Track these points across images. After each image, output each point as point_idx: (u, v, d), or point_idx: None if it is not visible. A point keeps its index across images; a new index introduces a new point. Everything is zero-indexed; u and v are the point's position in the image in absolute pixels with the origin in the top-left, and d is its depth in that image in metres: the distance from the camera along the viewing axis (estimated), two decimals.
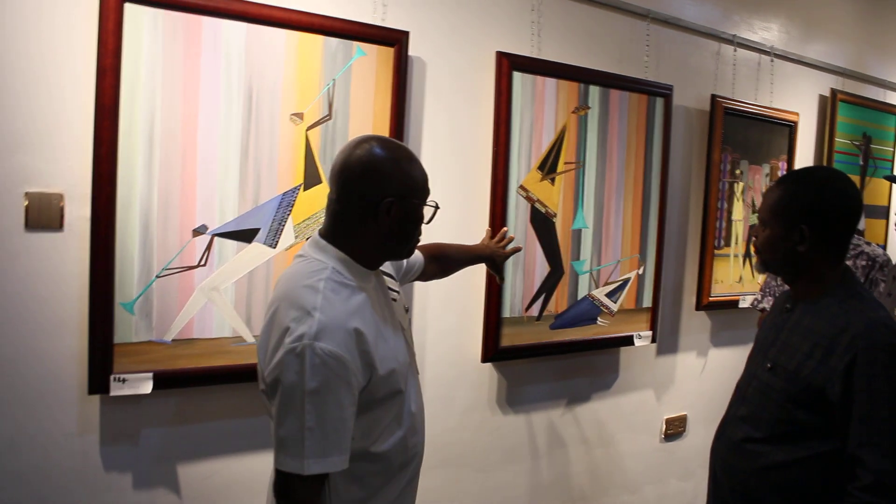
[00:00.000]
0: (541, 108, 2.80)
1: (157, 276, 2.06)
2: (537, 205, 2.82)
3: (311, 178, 2.30)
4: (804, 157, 4.06)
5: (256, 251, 2.23)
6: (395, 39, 2.41)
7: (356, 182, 1.50)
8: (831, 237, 1.80)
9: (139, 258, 2.04)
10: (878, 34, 4.58)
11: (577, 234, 2.95)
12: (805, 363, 1.77)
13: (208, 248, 2.14)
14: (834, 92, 4.12)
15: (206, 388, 2.19)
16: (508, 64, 2.67)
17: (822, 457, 1.76)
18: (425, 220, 1.62)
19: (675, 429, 3.56)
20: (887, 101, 4.59)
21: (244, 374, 2.20)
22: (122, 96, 1.98)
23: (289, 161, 2.26)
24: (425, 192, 1.60)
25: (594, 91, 2.95)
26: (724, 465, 1.95)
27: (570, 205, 2.92)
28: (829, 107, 4.12)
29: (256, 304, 2.23)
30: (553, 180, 2.86)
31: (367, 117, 2.39)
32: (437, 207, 1.66)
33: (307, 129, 2.29)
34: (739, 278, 3.68)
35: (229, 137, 2.16)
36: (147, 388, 2.05)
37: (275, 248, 2.25)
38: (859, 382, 1.68)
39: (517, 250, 2.46)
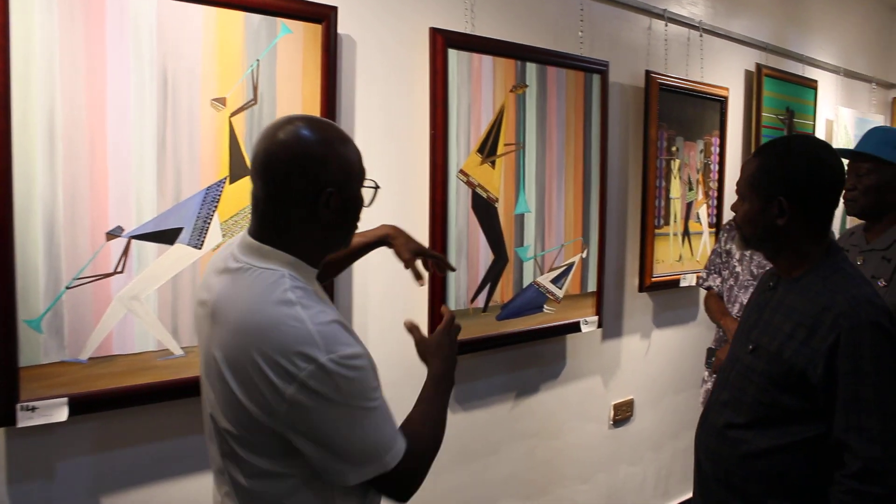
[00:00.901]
0: (478, 88, 2.64)
1: (67, 288, 1.82)
2: (478, 190, 2.66)
3: (237, 170, 2.08)
4: (734, 132, 4.04)
5: (180, 253, 2.00)
6: (322, 15, 2.21)
7: (286, 174, 1.30)
8: (812, 209, 1.70)
9: (44, 268, 1.79)
10: (797, 10, 4.60)
11: (519, 219, 2.82)
12: (787, 344, 1.67)
13: (125, 252, 1.91)
14: (759, 67, 4.11)
15: (130, 410, 1.95)
16: (443, 41, 2.50)
17: (808, 442, 1.67)
18: (366, 203, 1.45)
19: (622, 414, 3.48)
20: (806, 75, 4.63)
21: (173, 391, 1.97)
22: (13, 82, 1.72)
23: (212, 151, 2.04)
24: (363, 173, 1.42)
25: (531, 68, 2.81)
26: (708, 453, 1.85)
27: (511, 189, 2.78)
28: (755, 81, 4.11)
29: (183, 312, 2.00)
30: (493, 163, 2.71)
31: (295, 101, 2.18)
32: (377, 188, 1.50)
33: (231, 116, 2.07)
34: (679, 257, 3.63)
35: (143, 126, 1.92)
36: (62, 415, 1.80)
37: (200, 248, 2.03)
38: (843, 364, 1.59)
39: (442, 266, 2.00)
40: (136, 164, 1.91)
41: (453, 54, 2.54)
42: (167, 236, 1.98)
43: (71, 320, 1.82)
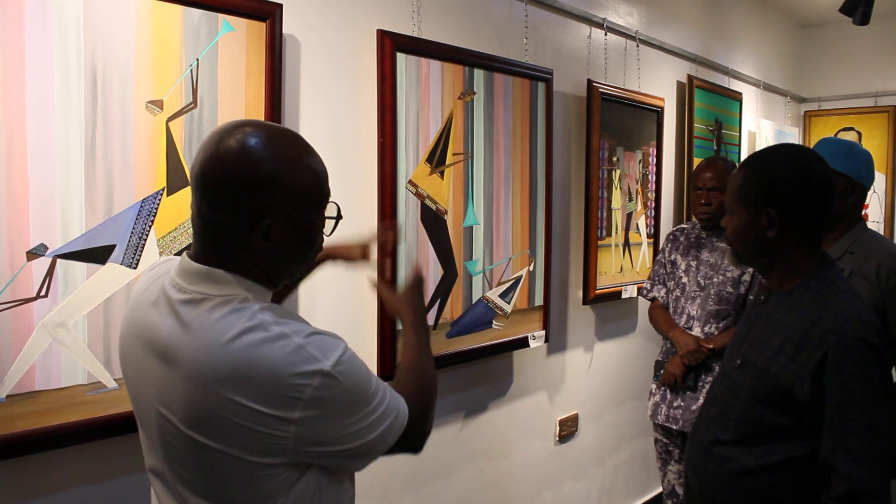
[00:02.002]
0: (426, 94, 2.51)
1: None
2: (428, 201, 2.53)
3: (175, 181, 1.89)
4: (669, 142, 4.04)
5: (112, 273, 1.79)
6: (266, 13, 2.04)
7: (223, 193, 1.13)
8: (802, 219, 1.64)
9: None
10: (721, 22, 4.67)
11: (468, 232, 2.70)
12: (774, 359, 1.61)
13: (49, 273, 1.69)
14: (690, 78, 4.13)
15: (56, 453, 1.72)
16: (392, 44, 2.36)
17: (794, 462, 1.61)
18: (326, 232, 1.27)
19: (568, 429, 3.40)
20: (732, 87, 4.69)
21: (106, 428, 1.76)
22: None
23: (147, 160, 1.84)
24: (323, 196, 1.23)
25: (479, 75, 2.70)
26: (695, 470, 1.78)
27: (460, 200, 2.66)
28: (686, 92, 4.13)
29: (116, 339, 1.79)
30: (442, 174, 2.58)
31: (237, 105, 2.01)
32: (339, 217, 1.29)
33: (168, 120, 1.87)
34: (620, 268, 3.58)
35: (69, 131, 1.70)
36: None
37: (135, 268, 1.82)
38: (830, 381, 1.53)
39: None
40: (61, 173, 1.69)
41: (402, 58, 2.40)
42: (98, 255, 1.76)
43: None
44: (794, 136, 5.65)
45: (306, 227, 1.20)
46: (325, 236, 1.26)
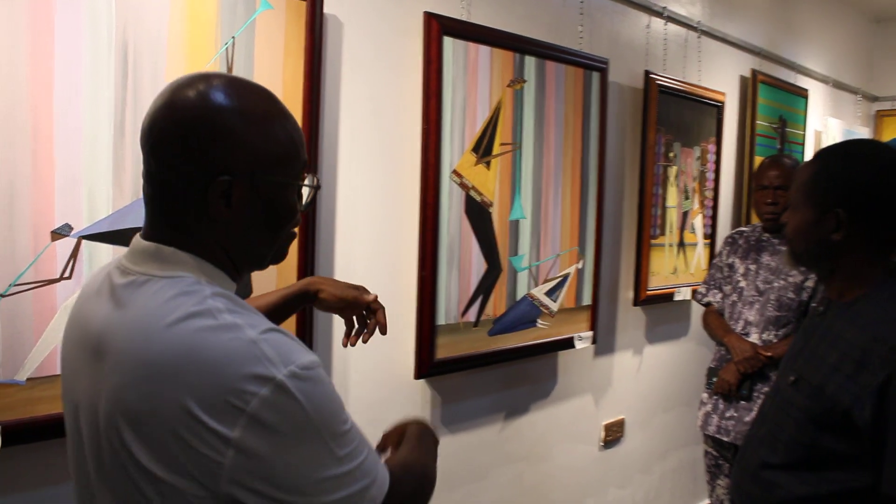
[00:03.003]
0: (474, 81, 2.40)
1: (3, 296, 1.53)
2: (472, 192, 2.43)
3: None
4: (729, 139, 3.86)
5: None
6: None
7: (174, 147, 0.93)
8: (873, 224, 1.49)
9: None
10: (789, 16, 4.46)
11: (514, 226, 2.58)
12: (831, 377, 1.45)
13: (74, 254, 1.63)
14: (755, 73, 3.94)
15: None
16: (439, 27, 2.26)
17: (850, 494, 1.45)
18: (301, 203, 1.05)
19: (613, 434, 3.26)
20: (798, 84, 4.48)
21: None
22: None
23: None
24: (296, 162, 1.02)
25: (530, 62, 2.58)
26: (740, 495, 1.63)
27: (506, 192, 2.55)
28: (750, 87, 3.94)
29: None
30: (489, 164, 2.48)
31: (275, 86, 1.93)
32: (317, 187, 1.11)
33: None
34: (674, 269, 3.43)
35: (98, 110, 1.64)
36: None
37: None
38: (895, 407, 1.37)
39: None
40: (88, 152, 1.63)
41: (449, 42, 2.30)
42: (124, 237, 1.70)
43: (6, 334, 1.54)
44: (864, 137, 5.38)
45: (275, 194, 0.99)
46: (300, 209, 1.05)
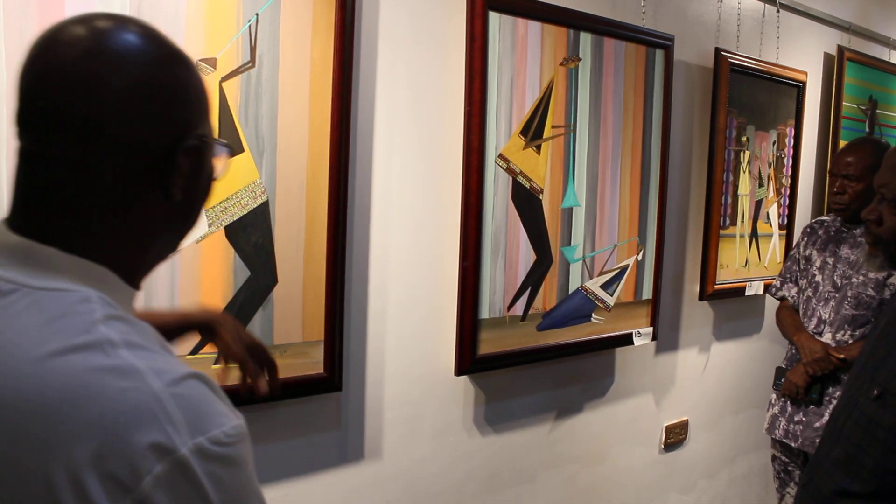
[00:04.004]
0: (523, 59, 2.25)
1: None
2: (520, 178, 2.28)
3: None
4: (811, 122, 3.59)
5: None
6: None
7: (95, 105, 0.71)
8: None
9: None
10: None
11: (567, 214, 2.42)
12: None
13: None
14: (841, 50, 3.65)
15: None
16: (483, 2, 2.11)
17: None
18: (217, 172, 0.86)
19: (675, 437, 3.08)
20: (892, 60, 4.14)
21: None
22: None
23: None
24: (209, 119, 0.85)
25: (585, 39, 2.41)
26: None
27: (558, 178, 2.39)
28: (836, 66, 3.65)
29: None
30: (539, 148, 2.32)
31: (302, 66, 1.82)
32: (230, 148, 0.94)
33: (221, 80, 1.71)
34: (745, 262, 3.20)
35: None
36: None
37: None
38: None
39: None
40: None
41: (495, 18, 2.15)
42: None
43: None
44: None
45: (210, 155, 0.83)
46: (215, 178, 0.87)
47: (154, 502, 0.63)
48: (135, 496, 0.62)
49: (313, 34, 1.83)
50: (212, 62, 1.69)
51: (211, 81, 1.68)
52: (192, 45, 1.65)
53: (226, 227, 1.74)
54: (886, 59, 4.07)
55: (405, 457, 2.16)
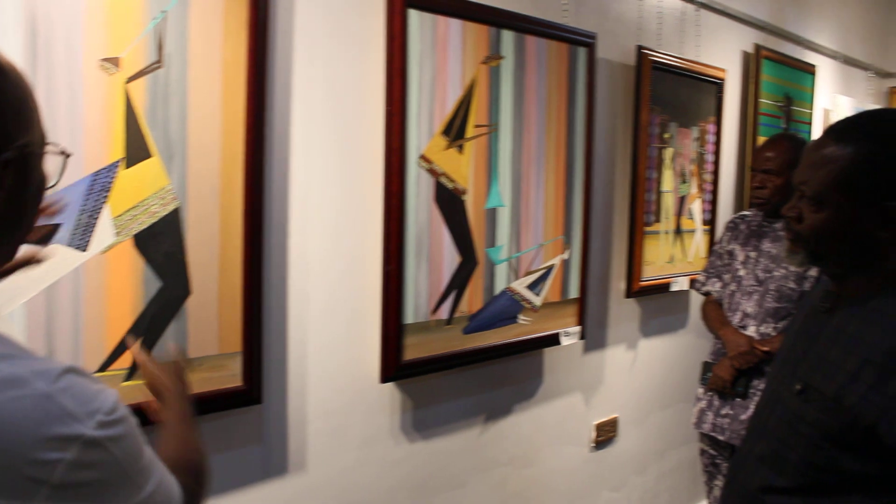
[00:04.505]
0: (444, 57, 2.21)
1: None
2: (443, 179, 2.24)
3: (135, 150, 1.64)
4: (731, 119, 3.65)
5: (57, 257, 1.55)
6: None
7: None
8: None
9: None
10: None
11: (491, 215, 2.39)
12: (850, 387, 1.25)
13: None
14: (758, 48, 3.72)
15: None
16: None
17: None
18: (51, 179, 0.87)
19: (605, 434, 3.08)
20: (805, 59, 4.25)
21: None
22: None
23: (100, 127, 1.59)
24: (41, 126, 0.84)
25: (507, 37, 2.38)
26: None
27: (482, 178, 2.36)
28: (753, 64, 3.72)
29: (62, 333, 1.56)
30: (461, 148, 2.28)
31: (213, 66, 1.74)
32: (66, 154, 0.90)
33: (127, 81, 1.62)
34: (670, 258, 3.23)
35: None
36: None
37: (85, 250, 1.58)
38: None
39: None
40: None
41: (415, 15, 2.11)
42: (40, 235, 1.53)
43: None
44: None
45: (37, 165, 0.83)
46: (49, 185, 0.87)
47: (68, 482, 0.70)
48: (49, 486, 0.69)
49: (225, 32, 1.75)
50: (115, 62, 1.59)
51: (115, 83, 1.59)
52: (92, 43, 1.56)
53: (134, 236, 1.65)
54: (800, 58, 4.17)
55: (331, 468, 2.10)
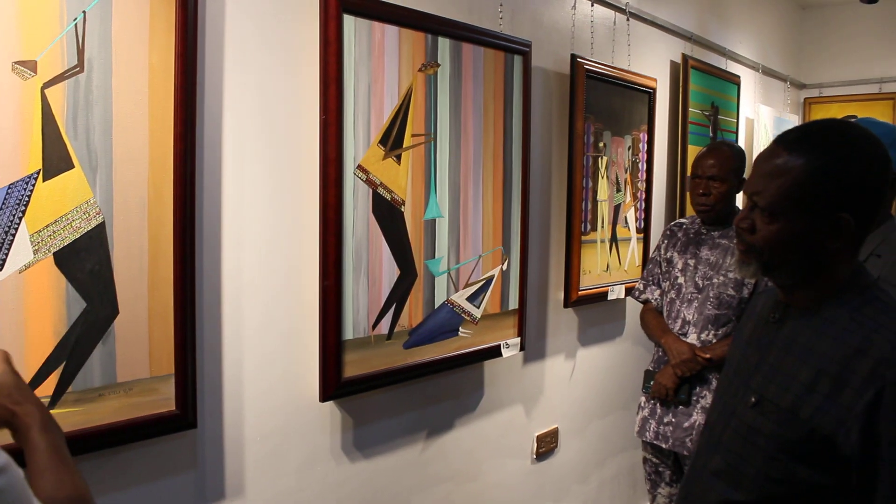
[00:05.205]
0: (380, 65, 2.15)
1: None
2: (381, 190, 2.17)
3: (54, 161, 1.53)
4: (661, 127, 3.69)
5: None
6: None
7: None
8: (866, 223, 1.28)
9: None
10: (719, 1, 4.32)
11: (430, 226, 2.34)
12: (805, 398, 1.24)
13: None
14: (686, 58, 3.78)
15: None
16: (338, 4, 2.00)
17: None
18: None
19: (546, 446, 3.06)
20: (729, 70, 4.34)
21: None
22: None
23: (14, 135, 1.47)
24: None
25: (444, 44, 2.34)
26: None
27: (420, 189, 2.30)
28: (681, 73, 3.77)
29: None
30: (399, 158, 2.23)
31: (138, 70, 1.64)
32: None
33: (44, 87, 1.51)
34: (607, 267, 3.24)
35: None
36: None
37: (0, 269, 1.46)
38: (888, 430, 1.16)
39: None
40: None
41: (350, 21, 2.04)
42: None
43: None
44: (793, 125, 5.27)
45: None
46: None
47: None
48: None
49: (151, 35, 1.66)
50: (31, 65, 1.48)
51: (29, 88, 1.48)
52: (3, 45, 1.44)
53: (55, 254, 1.54)
54: (724, 69, 4.26)
55: (270, 492, 2.00)
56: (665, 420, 2.69)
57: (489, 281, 2.57)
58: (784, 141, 1.32)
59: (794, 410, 1.25)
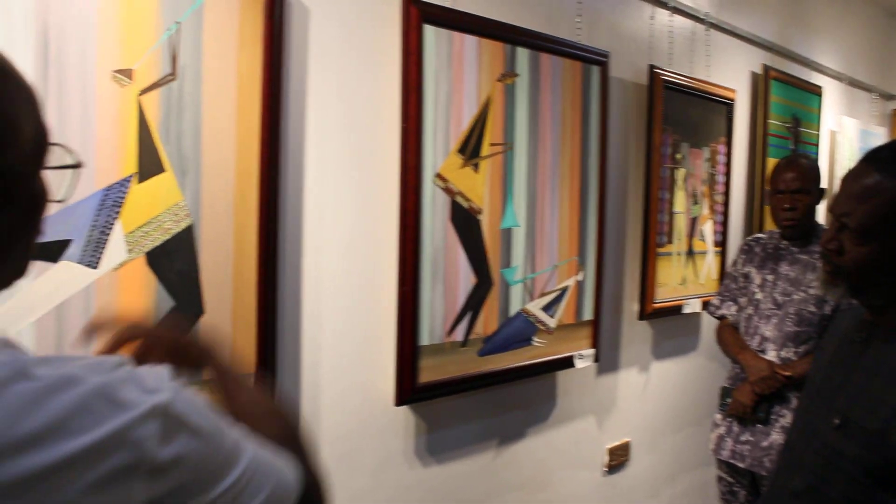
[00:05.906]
0: (459, 74, 2.17)
1: None
2: (459, 198, 2.19)
3: (148, 165, 1.59)
4: (740, 140, 3.62)
5: (67, 274, 1.49)
6: None
7: None
8: None
9: None
10: (802, 10, 4.22)
11: (506, 235, 2.35)
12: (893, 423, 1.20)
13: None
14: (766, 69, 3.70)
15: None
16: (419, 14, 2.03)
17: None
18: (57, 192, 0.78)
19: (618, 459, 3.02)
20: (812, 81, 4.23)
21: None
22: None
23: (112, 140, 1.54)
24: (41, 137, 0.74)
25: (522, 54, 2.35)
26: None
27: (497, 198, 2.31)
28: (761, 84, 3.70)
29: (72, 351, 1.50)
30: (477, 167, 2.24)
31: (227, 78, 1.70)
32: (76, 166, 0.81)
33: (140, 94, 1.57)
34: (683, 280, 3.18)
35: None
36: None
37: (96, 267, 1.53)
38: None
39: None
40: None
41: (430, 31, 2.07)
42: (49, 251, 1.47)
43: None
44: (880, 137, 5.12)
45: (21, 188, 0.72)
46: (54, 198, 0.77)
47: (169, 457, 0.67)
48: (146, 467, 0.65)
49: (239, 45, 1.71)
50: (128, 73, 1.55)
51: (127, 95, 1.55)
52: (104, 54, 1.51)
53: (147, 254, 1.60)
54: (807, 79, 4.15)
55: (344, 493, 2.03)
56: (742, 438, 2.63)
57: (564, 291, 2.55)
58: (875, 160, 1.29)
59: (882, 434, 1.21)
